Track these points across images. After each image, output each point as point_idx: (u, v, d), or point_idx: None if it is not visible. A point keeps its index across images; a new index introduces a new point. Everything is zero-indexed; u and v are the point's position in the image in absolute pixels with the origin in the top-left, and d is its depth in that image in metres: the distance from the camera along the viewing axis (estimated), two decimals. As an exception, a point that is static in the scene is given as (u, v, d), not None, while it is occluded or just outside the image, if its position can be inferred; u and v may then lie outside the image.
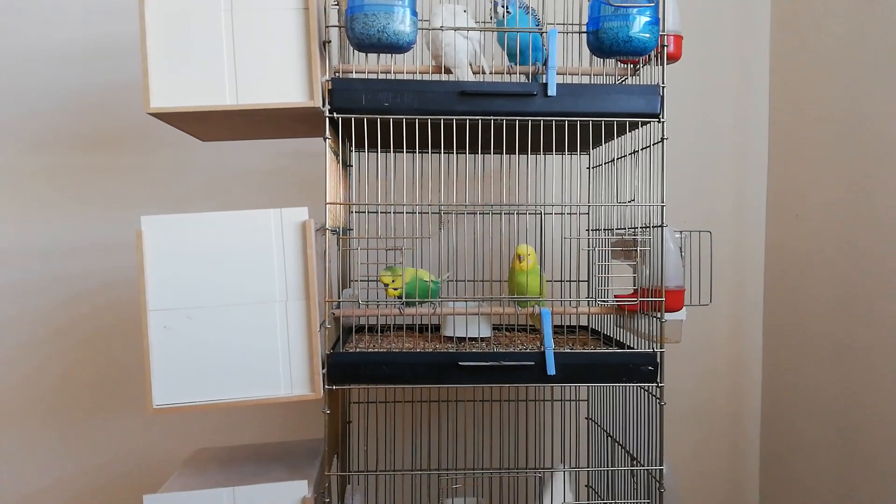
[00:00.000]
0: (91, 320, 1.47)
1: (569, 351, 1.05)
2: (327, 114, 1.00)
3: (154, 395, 0.97)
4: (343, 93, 0.99)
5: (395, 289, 1.06)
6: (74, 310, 1.47)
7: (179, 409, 0.98)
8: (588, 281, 1.35)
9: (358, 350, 1.08)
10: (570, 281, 1.34)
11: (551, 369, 1.01)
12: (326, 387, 1.00)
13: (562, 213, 1.35)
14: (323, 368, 0.99)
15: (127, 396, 1.48)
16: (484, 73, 1.11)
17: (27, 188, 1.46)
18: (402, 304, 1.08)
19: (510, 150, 1.34)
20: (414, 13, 0.98)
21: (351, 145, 1.28)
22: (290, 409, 1.48)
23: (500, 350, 1.08)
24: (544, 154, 1.37)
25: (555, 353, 1.02)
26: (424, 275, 1.10)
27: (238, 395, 0.99)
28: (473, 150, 1.31)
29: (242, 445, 1.25)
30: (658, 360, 1.04)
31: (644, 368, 1.03)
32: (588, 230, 1.35)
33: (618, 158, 1.21)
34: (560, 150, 1.31)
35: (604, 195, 1.30)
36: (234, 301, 0.98)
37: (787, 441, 1.49)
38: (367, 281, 1.27)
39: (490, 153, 1.36)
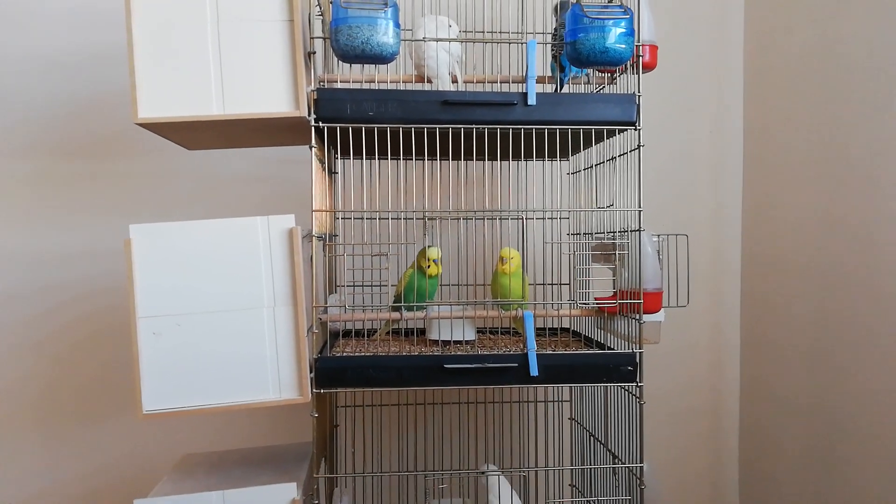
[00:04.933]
0: (78, 327, 1.47)
1: (551, 352, 1.08)
2: (313, 123, 1.02)
3: (144, 401, 0.98)
4: (328, 102, 1.02)
5: (436, 262, 1.12)
6: (61, 316, 1.47)
7: (169, 415, 0.99)
8: (569, 284, 1.37)
9: (345, 354, 1.10)
10: (551, 284, 1.37)
11: (534, 370, 1.04)
12: (314, 390, 1.02)
13: (543, 218, 1.38)
14: (311, 372, 1.01)
15: (114, 402, 1.48)
16: (457, 82, 1.14)
17: (13, 195, 1.46)
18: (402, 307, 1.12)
19: (492, 157, 1.37)
20: (397, 25, 1.01)
21: (336, 153, 1.31)
22: (278, 413, 1.49)
23: (485, 353, 1.10)
24: (525, 161, 1.40)
25: (537, 354, 1.05)
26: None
27: (227, 400, 1.00)
28: (456, 157, 1.34)
29: (231, 450, 1.27)
30: (637, 361, 1.07)
31: (624, 369, 1.06)
32: (569, 234, 1.39)
33: (597, 165, 1.24)
34: (540, 156, 1.34)
35: (584, 200, 1.33)
36: (222, 307, 1.00)
37: (765, 440, 1.53)
38: (353, 286, 1.29)
39: (472, 160, 1.39)
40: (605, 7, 1.03)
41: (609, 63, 1.04)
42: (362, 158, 1.06)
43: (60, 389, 1.48)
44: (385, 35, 0.99)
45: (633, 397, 1.09)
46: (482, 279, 1.41)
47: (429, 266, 1.14)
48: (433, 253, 1.14)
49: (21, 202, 1.46)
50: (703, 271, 1.58)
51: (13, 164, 1.46)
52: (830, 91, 1.31)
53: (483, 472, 1.16)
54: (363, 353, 1.09)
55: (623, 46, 1.03)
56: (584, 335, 1.31)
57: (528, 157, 1.36)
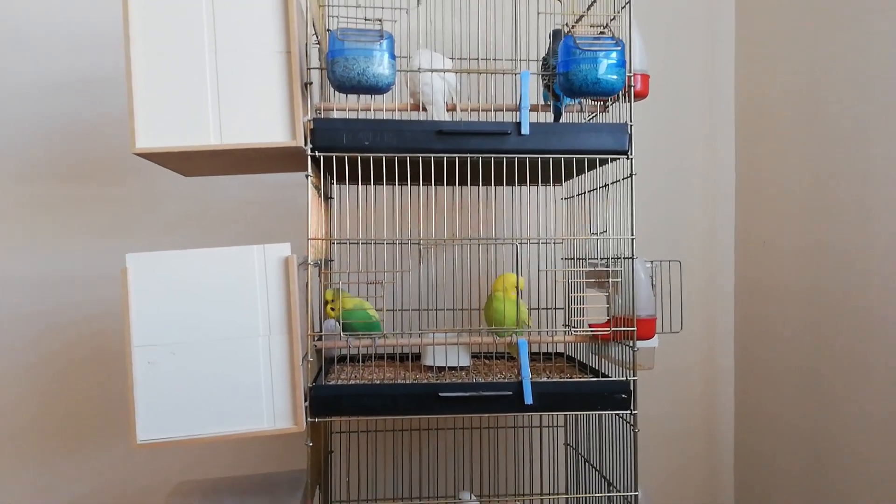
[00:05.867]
0: (71, 351, 1.47)
1: (545, 380, 1.08)
2: (309, 152, 1.03)
3: (138, 431, 0.98)
4: (325, 132, 1.03)
5: (332, 309, 1.10)
6: (55, 341, 1.46)
7: (163, 445, 0.99)
8: (563, 308, 1.38)
9: (339, 382, 1.10)
10: (546, 308, 1.37)
11: (528, 399, 1.04)
12: (309, 419, 1.02)
13: (538, 243, 1.39)
14: (305, 401, 1.01)
15: (106, 428, 1.47)
16: (454, 110, 1.15)
17: (9, 218, 1.46)
18: (349, 335, 1.11)
19: (486, 183, 1.38)
20: (392, 56, 1.02)
21: (332, 179, 1.31)
22: (271, 439, 1.49)
23: (480, 379, 1.10)
24: (519, 186, 1.41)
25: (532, 382, 1.05)
26: (368, 306, 1.13)
27: (222, 430, 1.00)
28: (451, 183, 1.35)
29: (224, 478, 1.26)
30: (631, 388, 1.07)
31: (618, 396, 1.06)
32: (563, 259, 1.39)
33: (590, 191, 1.25)
34: (534, 182, 1.35)
35: (577, 225, 1.34)
36: (217, 336, 1.00)
37: (759, 463, 1.53)
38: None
39: (467, 185, 1.40)
40: (597, 38, 1.05)
41: (601, 93, 1.05)
42: (358, 184, 1.07)
43: (52, 414, 1.47)
44: (381, 66, 1.00)
45: (628, 425, 1.10)
46: (477, 304, 1.41)
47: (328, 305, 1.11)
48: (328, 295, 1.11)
49: (14, 225, 1.46)
50: (697, 296, 1.59)
51: (8, 186, 1.46)
52: (821, 117, 1.33)
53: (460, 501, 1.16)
54: (358, 381, 1.09)
55: (615, 77, 1.04)
56: (578, 360, 1.31)
57: (522, 182, 1.37)
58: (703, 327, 1.61)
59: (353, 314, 1.11)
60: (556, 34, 1.18)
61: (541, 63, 1.21)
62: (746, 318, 1.58)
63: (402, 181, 1.32)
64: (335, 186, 1.36)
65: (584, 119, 1.25)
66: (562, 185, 1.43)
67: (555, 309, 1.37)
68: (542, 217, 1.42)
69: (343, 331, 1.11)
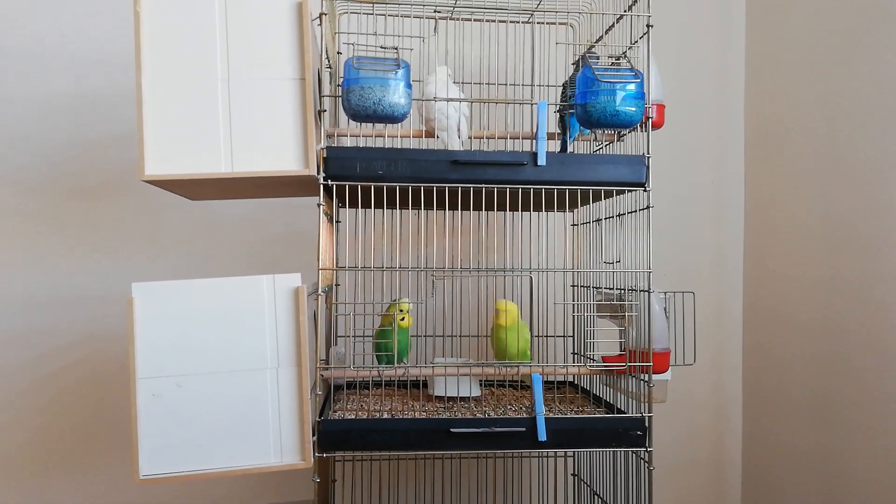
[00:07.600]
0: (70, 371, 1.42)
1: (559, 416, 1.06)
2: (322, 181, 1.01)
3: (141, 466, 0.95)
4: (338, 161, 1.01)
5: (403, 319, 1.11)
6: (53, 360, 1.42)
7: (167, 480, 0.96)
8: (573, 336, 1.36)
9: (347, 416, 1.07)
10: (553, 336, 1.35)
11: (543, 436, 1.02)
12: (317, 454, 0.99)
13: (553, 272, 1.37)
14: (313, 435, 0.99)
15: (104, 452, 1.43)
16: (461, 137, 1.13)
17: (11, 236, 1.42)
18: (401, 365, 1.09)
19: (493, 209, 1.36)
20: (408, 85, 1.00)
21: (344, 205, 1.29)
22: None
23: (490, 412, 1.08)
24: (525, 212, 1.39)
25: (545, 418, 1.03)
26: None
27: (226, 465, 0.97)
28: (463, 209, 1.33)
29: (226, 508, 1.23)
30: (647, 425, 1.05)
31: (633, 433, 1.04)
32: (572, 286, 1.37)
33: (605, 219, 1.23)
34: (543, 209, 1.33)
35: (587, 251, 1.32)
36: (224, 368, 0.97)
37: (768, 495, 1.51)
38: (354, 338, 1.27)
39: (479, 211, 1.38)
40: (616, 70, 1.03)
41: (619, 125, 1.04)
42: (372, 208, 1.05)
43: (49, 435, 1.42)
44: (397, 95, 0.98)
45: (643, 461, 1.07)
46: (485, 330, 1.39)
47: (403, 318, 1.12)
48: (406, 304, 1.13)
49: (14, 243, 1.42)
50: (705, 325, 1.57)
51: (9, 203, 1.42)
52: (831, 146, 1.32)
53: None
54: (365, 414, 1.07)
55: (633, 109, 1.03)
56: (586, 390, 1.29)
57: (530, 208, 1.35)
58: (712, 356, 1.59)
59: (405, 333, 1.12)
60: (579, 64, 1.17)
61: (560, 91, 1.19)
62: (755, 348, 1.57)
63: (413, 207, 1.30)
64: (342, 210, 1.33)
65: (594, 148, 1.24)
66: (572, 212, 1.41)
67: (563, 337, 1.34)
68: (551, 243, 1.40)
69: (384, 351, 1.12)
